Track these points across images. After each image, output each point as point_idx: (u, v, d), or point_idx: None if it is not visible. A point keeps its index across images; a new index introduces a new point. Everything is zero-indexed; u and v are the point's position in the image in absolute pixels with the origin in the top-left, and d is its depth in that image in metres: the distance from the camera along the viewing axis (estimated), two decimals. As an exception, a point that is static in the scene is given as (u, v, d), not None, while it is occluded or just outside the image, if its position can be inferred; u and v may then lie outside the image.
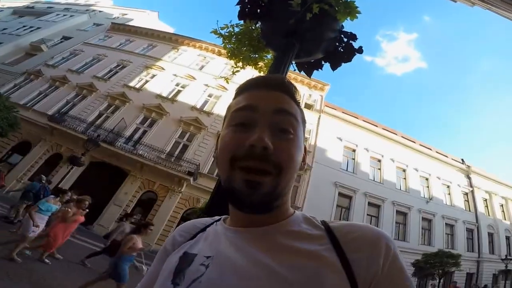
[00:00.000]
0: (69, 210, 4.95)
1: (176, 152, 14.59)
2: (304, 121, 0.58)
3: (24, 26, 23.33)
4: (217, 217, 0.62)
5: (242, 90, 0.59)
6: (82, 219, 5.08)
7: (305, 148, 0.55)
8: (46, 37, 21.23)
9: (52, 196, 5.41)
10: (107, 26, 23.03)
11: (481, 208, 19.91)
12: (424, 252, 13.78)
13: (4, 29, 22.59)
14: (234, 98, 0.60)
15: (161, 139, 14.67)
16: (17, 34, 21.71)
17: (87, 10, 26.54)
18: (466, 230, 18.53)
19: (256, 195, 0.46)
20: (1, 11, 26.19)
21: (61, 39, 21.83)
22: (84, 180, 12.93)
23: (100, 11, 26.62)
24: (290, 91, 0.57)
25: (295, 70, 2.20)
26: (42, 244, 4.67)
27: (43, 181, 8.35)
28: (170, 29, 29.78)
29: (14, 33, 21.89)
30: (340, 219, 15.20)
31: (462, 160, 22.23)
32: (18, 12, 26.75)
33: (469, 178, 20.98)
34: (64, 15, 25.20)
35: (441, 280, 12.89)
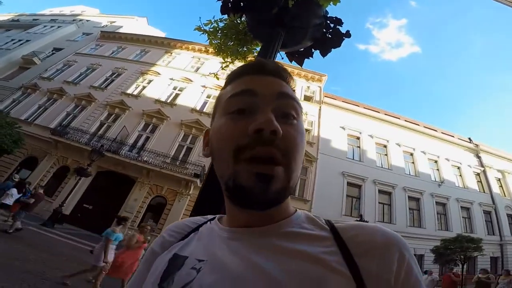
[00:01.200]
0: (133, 236, 4.95)
1: (181, 156, 14.69)
2: (301, 109, 0.52)
3: (12, 40, 23.40)
4: (210, 216, 0.57)
5: (236, 76, 0.52)
6: (145, 245, 5.06)
7: None
8: (37, 49, 21.33)
9: (118, 226, 5.44)
10: (97, 35, 23.09)
11: (495, 188, 19.20)
12: (443, 238, 13.42)
13: (-8, 43, 22.55)
14: (225, 87, 0.54)
15: (165, 144, 14.74)
16: (7, 48, 21.73)
17: (74, 20, 26.59)
18: (484, 213, 17.84)
19: (271, 191, 0.39)
20: (-15, 25, 26.13)
21: (52, 50, 21.91)
22: (93, 190, 13.34)
23: (87, 21, 26.66)
24: (286, 77, 0.52)
25: (283, 59, 2.16)
26: (109, 272, 4.60)
27: (15, 179, 9.14)
28: (161, 34, 29.83)
29: (4, 47, 21.88)
30: (351, 209, 15.25)
31: (470, 139, 21.64)
32: (4, 26, 26.69)
33: (479, 157, 20.40)
34: (52, 27, 25.25)
35: (465, 266, 12.61)
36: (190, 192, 13.33)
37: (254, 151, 0.40)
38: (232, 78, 0.53)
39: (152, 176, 13.45)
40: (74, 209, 12.72)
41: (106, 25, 26.07)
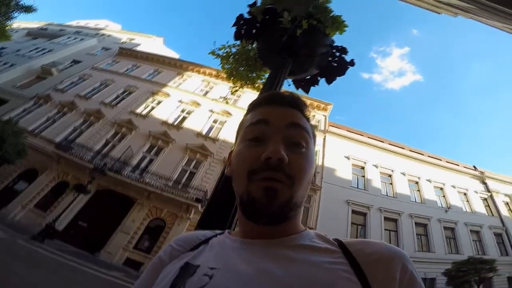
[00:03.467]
0: None
1: (183, 179, 14.54)
2: (314, 136, 0.60)
3: (37, 48, 24.02)
4: (218, 231, 0.60)
5: (255, 106, 0.61)
6: None
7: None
8: (57, 60, 21.77)
9: None
10: (115, 51, 23.68)
11: (504, 211, 19.10)
12: (454, 261, 13.25)
13: (18, 50, 23.09)
14: (246, 115, 0.62)
15: (168, 167, 14.67)
16: (29, 56, 22.18)
17: (96, 34, 27.47)
18: (494, 235, 17.63)
19: (275, 204, 0.46)
20: (16, 32, 26.49)
21: (71, 62, 22.34)
22: (90, 208, 12.99)
23: (109, 35, 27.51)
24: (300, 107, 0.59)
25: (290, 86, 2.26)
26: None
27: None
28: (175, 55, 30.53)
29: (27, 55, 22.38)
30: (356, 236, 14.86)
31: (474, 166, 21.74)
32: (32, 34, 27.59)
33: (484, 183, 20.41)
34: (75, 38, 26.03)
35: (480, 287, 12.28)
36: (190, 216, 13.10)
37: (264, 174, 0.48)
38: (252, 107, 0.62)
39: (152, 198, 13.26)
40: (68, 226, 12.29)
41: (125, 42, 26.90)
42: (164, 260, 0.54)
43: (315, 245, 0.48)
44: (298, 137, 0.53)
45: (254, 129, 0.55)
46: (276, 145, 0.49)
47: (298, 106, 0.59)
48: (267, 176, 0.47)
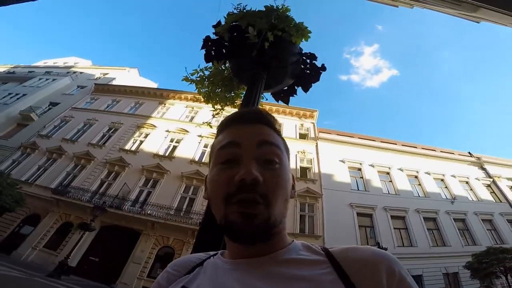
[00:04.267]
0: None
1: (184, 206, 14.59)
2: (287, 149, 0.59)
3: (9, 94, 23.59)
4: (212, 252, 0.61)
5: (223, 127, 0.60)
6: None
7: (292, 176, 0.56)
8: (34, 104, 21.57)
9: None
10: (91, 88, 23.58)
11: (511, 196, 18.78)
12: (473, 253, 12.87)
13: (-10, 97, 22.67)
14: (216, 137, 0.61)
15: (167, 197, 14.65)
16: (4, 103, 21.88)
17: (68, 72, 26.99)
18: (508, 222, 17.17)
19: (252, 225, 0.46)
20: (-18, 77, 25.96)
21: (49, 105, 22.14)
22: (98, 243, 13.34)
23: (81, 72, 27.16)
24: (269, 122, 0.59)
25: (267, 100, 2.25)
26: None
27: None
28: (153, 84, 30.44)
29: (1, 102, 22.07)
30: (367, 238, 14.72)
31: (469, 153, 21.77)
32: (0, 78, 26.96)
33: (484, 169, 20.37)
34: (47, 79, 25.59)
35: (508, 276, 11.96)
36: (196, 241, 12.92)
37: (239, 196, 0.47)
38: (221, 128, 0.61)
39: (157, 228, 13.35)
40: (81, 261, 12.67)
41: (100, 77, 26.68)
42: (163, 285, 0.55)
43: (302, 258, 0.48)
44: (270, 154, 0.53)
45: (225, 152, 0.54)
46: (249, 165, 0.49)
47: (266, 121, 0.59)
48: (242, 199, 0.47)
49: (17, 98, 22.69)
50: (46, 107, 21.98)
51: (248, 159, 0.51)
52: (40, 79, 26.01)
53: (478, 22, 3.93)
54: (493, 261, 11.87)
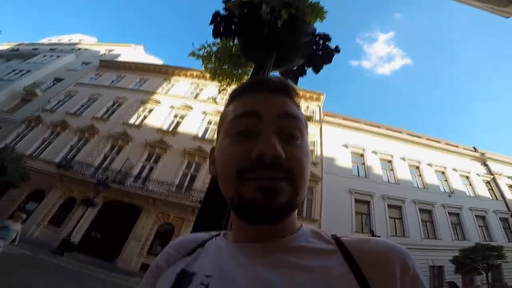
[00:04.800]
0: None
1: (186, 183, 14.74)
2: (307, 126, 0.53)
3: (14, 70, 23.47)
4: (214, 232, 0.56)
5: (239, 93, 0.53)
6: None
7: None
8: (38, 80, 21.49)
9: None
10: (96, 64, 23.42)
11: (508, 195, 18.73)
12: (461, 248, 13.12)
13: (-5, 74, 22.67)
14: (228, 105, 0.54)
15: (169, 173, 14.79)
16: (8, 79, 21.84)
17: (72, 49, 26.84)
18: (500, 220, 17.40)
19: (274, 204, 0.41)
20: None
21: (54, 81, 22.07)
22: (100, 219, 13.55)
23: (86, 49, 26.98)
24: (291, 94, 0.52)
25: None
26: None
27: None
28: (158, 61, 29.89)
29: (5, 78, 21.98)
30: (361, 226, 14.93)
31: (474, 148, 21.51)
32: (4, 56, 26.87)
33: (486, 165, 20.18)
34: (51, 56, 25.48)
35: (489, 274, 12.23)
36: (196, 219, 13.25)
37: (257, 173, 0.41)
38: (235, 95, 0.53)
39: (158, 205, 13.53)
40: (83, 238, 12.87)
41: (105, 54, 26.48)
42: (161, 266, 0.51)
43: (311, 246, 0.44)
44: (293, 128, 0.46)
45: (240, 122, 0.47)
46: (270, 139, 0.43)
47: (289, 93, 0.52)
48: (261, 176, 0.41)
49: (22, 75, 22.55)
50: (50, 83, 21.88)
51: (268, 132, 0.44)
52: (44, 56, 25.76)
53: (507, 18, 3.72)
54: (478, 258, 12.07)
